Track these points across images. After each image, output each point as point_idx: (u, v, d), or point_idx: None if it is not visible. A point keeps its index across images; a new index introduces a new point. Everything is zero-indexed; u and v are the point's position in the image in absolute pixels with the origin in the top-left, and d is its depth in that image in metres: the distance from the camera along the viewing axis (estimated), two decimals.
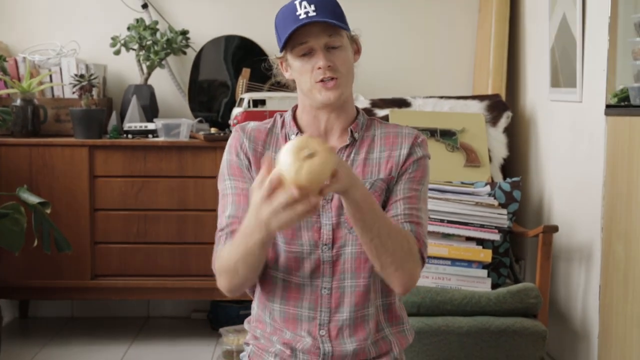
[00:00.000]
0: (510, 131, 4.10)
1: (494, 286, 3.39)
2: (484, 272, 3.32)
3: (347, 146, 1.92)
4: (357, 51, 1.94)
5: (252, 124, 1.95)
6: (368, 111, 3.90)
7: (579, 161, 3.44)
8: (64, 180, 4.01)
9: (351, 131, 1.92)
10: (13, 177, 3.99)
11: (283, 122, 1.95)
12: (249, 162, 1.89)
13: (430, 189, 3.37)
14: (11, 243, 3.52)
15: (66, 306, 4.58)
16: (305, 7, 1.79)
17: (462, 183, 3.58)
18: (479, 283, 3.31)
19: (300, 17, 1.79)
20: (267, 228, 1.58)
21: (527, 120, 4.13)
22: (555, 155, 3.76)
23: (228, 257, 1.76)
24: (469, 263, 3.33)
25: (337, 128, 1.92)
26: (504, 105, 4.11)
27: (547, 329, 3.18)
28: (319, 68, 1.82)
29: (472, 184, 3.58)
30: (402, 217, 1.84)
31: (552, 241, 3.33)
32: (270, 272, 1.88)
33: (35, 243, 3.56)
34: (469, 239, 3.36)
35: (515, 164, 4.18)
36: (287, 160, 1.53)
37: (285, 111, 1.98)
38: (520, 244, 4.05)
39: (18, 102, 4.10)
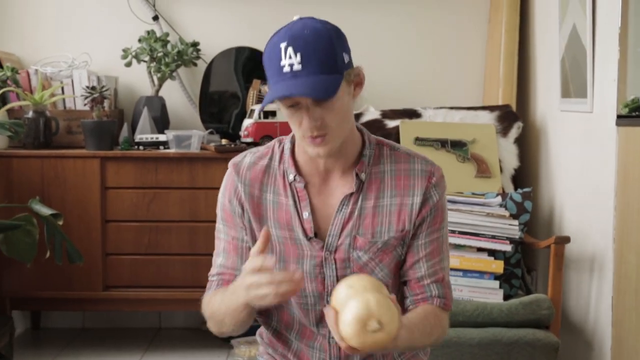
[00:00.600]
0: (521, 141, 4.09)
1: (506, 297, 3.38)
2: (496, 283, 3.31)
3: (352, 194, 1.75)
4: (358, 84, 1.72)
5: (247, 160, 1.81)
6: (378, 122, 3.90)
7: (590, 171, 3.43)
8: (76, 192, 4.03)
9: (356, 174, 1.75)
10: (25, 188, 4.01)
11: (282, 154, 1.79)
12: (243, 209, 1.79)
13: None
14: (23, 254, 3.53)
15: (78, 317, 4.59)
16: (290, 57, 1.57)
17: (473, 194, 3.58)
18: (490, 294, 3.30)
19: (284, 71, 1.59)
20: (247, 296, 1.58)
21: (537, 131, 4.12)
22: (566, 165, 3.75)
23: (217, 309, 1.74)
24: (481, 274, 3.32)
25: (338, 169, 1.76)
26: (515, 115, 4.10)
27: (559, 340, 3.17)
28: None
29: (483, 195, 3.57)
30: (427, 279, 1.76)
31: (564, 252, 3.32)
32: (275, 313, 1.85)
33: (48, 254, 3.57)
34: (480, 249, 3.36)
35: (526, 175, 4.17)
36: (351, 328, 1.46)
37: (286, 135, 1.83)
38: (532, 255, 4.03)
39: (30, 114, 4.13)
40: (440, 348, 3.09)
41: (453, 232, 3.31)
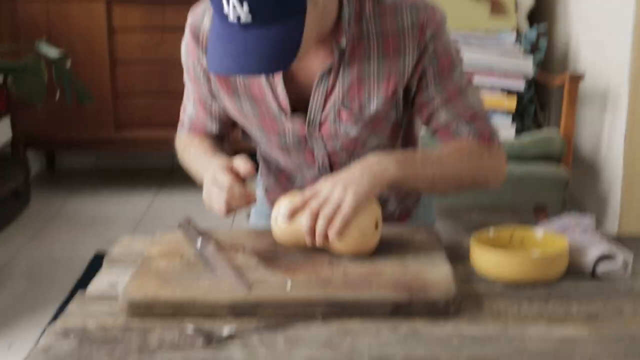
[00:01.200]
0: None
1: (518, 133, 3.37)
2: (508, 119, 3.29)
3: (330, 70, 1.48)
4: None
5: (207, 24, 1.51)
6: None
7: (608, 7, 3.34)
8: (82, 35, 3.97)
9: (336, 42, 1.46)
10: (31, 30, 3.95)
11: None
12: (209, 80, 1.58)
13: (454, 38, 3.30)
14: (33, 96, 3.53)
15: (91, 158, 4.63)
16: (234, 7, 1.28)
17: (487, 32, 3.50)
18: (502, 130, 3.29)
19: (230, 20, 1.31)
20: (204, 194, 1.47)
21: None
22: (583, 1, 3.64)
23: (187, 164, 1.66)
24: (493, 111, 3.29)
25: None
26: None
27: (570, 174, 3.18)
28: None
29: (497, 33, 3.49)
30: (454, 123, 1.52)
31: (578, 88, 3.28)
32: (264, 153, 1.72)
33: (58, 95, 3.56)
34: (493, 87, 3.32)
35: (542, 12, 4.06)
36: (360, 239, 1.37)
37: None
38: (546, 93, 4.00)
39: None
40: None
41: (465, 70, 3.26)
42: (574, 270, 1.38)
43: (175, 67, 4.00)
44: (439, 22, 1.47)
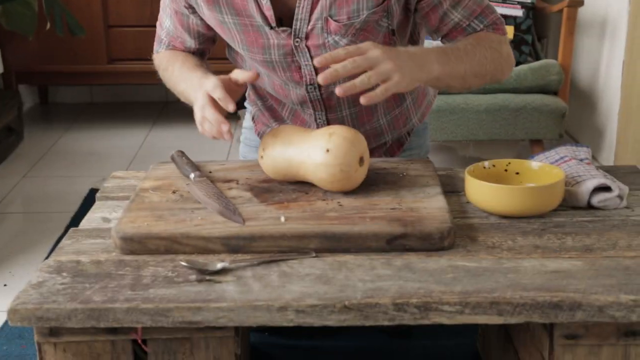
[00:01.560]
0: None
1: (515, 64, 3.33)
2: None
3: None
4: None
5: None
6: None
7: None
8: None
9: None
10: None
11: None
12: (198, 2, 1.52)
13: None
14: (23, 27, 3.46)
15: (85, 92, 4.59)
16: None
17: None
18: None
19: None
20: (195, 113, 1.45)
21: None
22: None
23: (170, 82, 1.61)
24: None
25: None
26: None
27: (567, 105, 3.16)
28: None
29: None
30: (466, 21, 1.49)
31: (577, 16, 3.23)
32: (257, 85, 1.68)
33: (48, 26, 3.50)
34: None
35: None
36: (342, 177, 1.34)
37: None
38: (544, 22, 3.94)
39: None
40: (447, 114, 3.09)
41: None
42: (570, 202, 1.37)
43: None
44: None
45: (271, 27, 1.47)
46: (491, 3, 1.53)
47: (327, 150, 1.34)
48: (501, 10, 3.24)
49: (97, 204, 1.46)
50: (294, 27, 1.47)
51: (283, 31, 1.47)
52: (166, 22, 1.63)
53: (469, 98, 3.12)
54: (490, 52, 1.48)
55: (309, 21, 1.46)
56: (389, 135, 1.71)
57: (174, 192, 1.41)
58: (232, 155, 3.69)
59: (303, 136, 1.40)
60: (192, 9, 1.55)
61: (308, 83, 1.56)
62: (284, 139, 1.41)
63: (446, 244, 1.23)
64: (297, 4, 1.45)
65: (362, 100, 1.29)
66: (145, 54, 3.96)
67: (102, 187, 1.54)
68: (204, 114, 1.40)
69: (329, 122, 1.62)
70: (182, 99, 1.57)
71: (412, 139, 1.77)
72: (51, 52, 3.99)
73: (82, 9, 3.91)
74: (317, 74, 1.50)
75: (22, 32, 3.48)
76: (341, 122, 1.62)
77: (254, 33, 1.49)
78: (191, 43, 1.63)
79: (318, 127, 1.62)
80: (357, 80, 1.29)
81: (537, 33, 3.72)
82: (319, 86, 1.55)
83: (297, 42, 1.48)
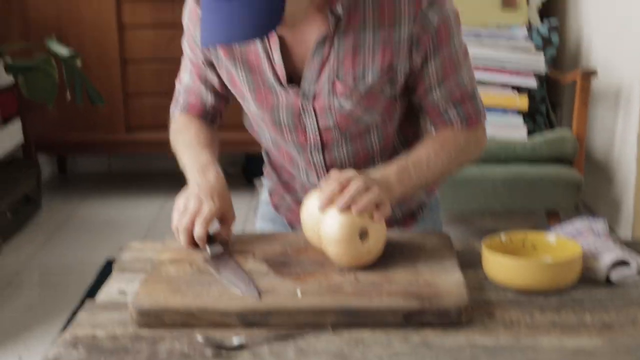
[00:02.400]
0: None
1: (530, 134, 3.35)
2: (520, 120, 3.27)
3: (325, 38, 1.46)
4: None
5: None
6: None
7: (620, 2, 3.31)
8: (93, 31, 3.97)
9: (331, 10, 1.43)
10: (41, 26, 3.95)
11: None
12: (218, 55, 1.56)
13: (465, 34, 3.28)
14: (44, 96, 3.52)
15: (103, 162, 4.64)
16: None
17: (498, 26, 3.48)
18: (514, 131, 3.26)
19: None
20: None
21: None
22: None
23: (176, 148, 1.64)
24: (505, 110, 3.27)
25: (312, 5, 1.45)
26: None
27: (582, 176, 3.16)
28: None
29: (508, 28, 3.47)
30: (442, 103, 1.53)
31: (590, 86, 3.25)
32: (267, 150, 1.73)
33: (68, 96, 3.56)
34: (504, 85, 3.30)
35: (554, 6, 4.04)
36: (339, 248, 1.35)
37: None
38: (558, 91, 3.97)
39: None
40: (462, 185, 3.09)
41: (476, 67, 3.24)
42: (588, 277, 1.36)
43: None
44: None
45: (281, 85, 1.51)
46: (477, 91, 1.59)
47: (323, 241, 1.37)
48: (515, 80, 3.27)
49: (114, 276, 1.46)
50: (302, 87, 1.51)
51: (292, 90, 1.51)
52: (185, 77, 1.67)
53: (485, 169, 3.13)
54: (455, 153, 1.55)
55: (317, 83, 1.50)
56: (397, 209, 1.71)
57: (191, 264, 1.41)
58: (248, 226, 3.70)
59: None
60: (211, 67, 1.60)
61: (312, 147, 1.58)
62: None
63: (463, 319, 1.22)
64: (306, 65, 1.49)
65: (376, 216, 1.37)
66: (163, 123, 4.03)
67: (119, 258, 1.54)
68: (193, 214, 1.44)
69: None
70: (180, 166, 1.62)
71: (424, 213, 1.77)
72: (70, 121, 4.05)
73: (101, 79, 3.98)
74: (321, 137, 1.56)
75: (42, 101, 3.54)
76: None
77: (265, 91, 1.53)
78: (207, 96, 1.66)
79: None
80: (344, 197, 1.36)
81: (551, 103, 3.75)
82: (323, 150, 1.59)
83: (304, 102, 1.52)
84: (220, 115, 1.71)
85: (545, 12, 3.93)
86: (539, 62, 3.31)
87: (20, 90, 3.62)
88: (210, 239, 1.48)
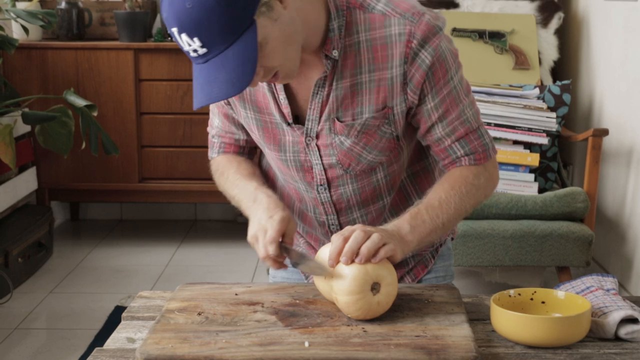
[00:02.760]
0: (561, 33, 3.98)
1: (541, 191, 3.35)
2: (531, 176, 3.28)
3: (325, 80, 1.51)
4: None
5: None
6: None
7: (632, 63, 3.34)
8: (110, 84, 4.02)
9: (326, 55, 1.49)
10: (59, 80, 4.01)
11: None
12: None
13: (477, 92, 3.32)
14: (60, 146, 3.57)
15: (115, 209, 4.66)
16: (189, 44, 1.33)
17: (511, 86, 3.51)
18: (525, 187, 3.27)
19: (191, 55, 1.37)
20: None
21: (579, 21, 4.01)
22: (608, 57, 3.65)
23: (224, 188, 1.71)
24: (516, 167, 3.29)
25: (308, 51, 1.51)
26: (556, 5, 3.98)
27: (593, 233, 3.16)
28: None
29: (521, 87, 3.50)
30: (446, 140, 1.56)
31: (602, 145, 3.27)
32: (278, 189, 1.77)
33: (83, 146, 3.60)
34: (516, 142, 3.31)
35: (566, 67, 4.08)
36: (351, 299, 1.36)
37: None
38: (569, 149, 3.98)
39: (63, 4, 4.10)
40: (473, 239, 3.09)
41: (489, 124, 3.27)
42: (597, 333, 1.36)
43: (199, 119, 4.06)
44: (429, 29, 1.47)
45: (288, 124, 1.57)
46: (483, 127, 1.59)
47: (334, 293, 1.39)
48: (527, 138, 3.29)
49: (122, 323, 1.47)
50: (305, 126, 1.57)
51: (298, 129, 1.57)
52: (215, 121, 1.74)
53: (495, 224, 3.13)
54: (466, 189, 1.56)
55: (319, 122, 1.56)
56: (410, 258, 1.71)
57: (199, 313, 1.42)
58: (258, 277, 3.69)
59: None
60: (229, 104, 1.66)
61: (319, 184, 1.62)
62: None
63: None
64: (309, 106, 1.55)
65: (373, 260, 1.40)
66: (175, 173, 4.09)
67: (128, 306, 1.55)
68: (263, 241, 1.50)
69: (341, 226, 1.67)
70: (233, 203, 1.68)
71: (437, 261, 1.77)
72: (84, 170, 4.09)
73: (117, 129, 4.03)
74: (326, 174, 1.61)
75: (58, 151, 3.58)
76: (354, 223, 1.65)
77: (272, 130, 1.60)
78: (239, 135, 1.72)
79: (332, 233, 1.65)
80: (348, 248, 1.40)
81: (562, 160, 3.76)
82: (329, 187, 1.63)
83: (308, 140, 1.57)
84: (256, 148, 1.77)
85: (557, 72, 3.96)
86: (550, 120, 3.33)
87: (36, 139, 3.67)
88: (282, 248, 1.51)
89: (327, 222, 1.68)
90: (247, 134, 1.72)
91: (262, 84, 1.56)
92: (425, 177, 1.69)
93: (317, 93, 1.53)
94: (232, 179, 1.68)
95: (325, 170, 1.61)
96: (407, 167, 1.67)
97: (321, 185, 1.63)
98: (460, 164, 1.59)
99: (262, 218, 1.52)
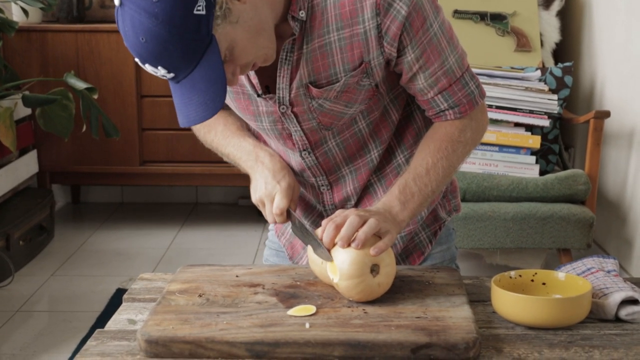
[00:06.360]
0: (563, 14, 3.97)
1: (542, 173, 3.35)
2: (532, 159, 3.28)
3: (294, 39, 1.46)
4: None
5: None
6: None
7: (634, 45, 3.33)
8: (110, 67, 4.01)
9: (292, 17, 1.44)
10: (60, 63, 4.00)
11: None
12: None
13: (479, 74, 3.30)
14: (60, 128, 3.56)
15: (116, 192, 4.66)
16: (155, 72, 1.32)
17: (512, 68, 3.50)
18: (526, 169, 3.27)
19: (162, 78, 1.35)
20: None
21: (581, 3, 3.99)
22: (610, 39, 3.63)
23: (211, 144, 1.70)
24: (517, 149, 3.28)
25: (276, 25, 1.46)
26: None
27: (594, 215, 3.16)
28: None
29: (522, 69, 3.49)
30: (429, 92, 1.51)
31: (603, 127, 3.26)
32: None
33: (84, 129, 3.60)
34: (517, 124, 3.31)
35: (568, 49, 4.06)
36: (351, 283, 1.36)
37: None
38: (571, 131, 3.98)
39: None
40: (474, 222, 3.09)
41: (490, 106, 3.26)
42: (597, 314, 1.36)
43: None
44: None
45: (258, 95, 1.53)
46: (468, 72, 1.54)
47: (334, 277, 1.38)
48: (528, 120, 3.28)
49: (123, 305, 1.47)
50: (277, 95, 1.52)
51: (270, 98, 1.53)
52: None
53: (496, 206, 3.13)
54: (453, 147, 1.53)
55: (290, 90, 1.51)
56: (400, 241, 1.70)
57: (200, 295, 1.42)
58: (259, 259, 3.70)
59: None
60: None
61: (301, 149, 1.59)
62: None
63: (471, 354, 1.22)
64: (277, 74, 1.50)
65: (372, 251, 1.38)
66: (176, 156, 4.08)
67: (129, 288, 1.55)
68: (271, 209, 1.53)
69: (331, 185, 1.64)
70: (226, 160, 1.68)
71: (434, 247, 1.74)
72: (85, 153, 4.08)
73: (117, 112, 4.02)
74: (307, 138, 1.56)
75: (58, 134, 3.57)
76: (343, 180, 1.64)
77: (244, 100, 1.56)
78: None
79: (323, 195, 1.66)
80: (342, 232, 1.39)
81: (564, 143, 3.76)
82: (313, 150, 1.59)
83: (282, 109, 1.53)
84: None
85: (559, 54, 3.95)
86: (552, 103, 3.32)
87: (36, 122, 3.66)
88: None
89: (317, 183, 1.65)
90: None
91: None
92: (407, 128, 1.65)
93: (285, 59, 1.48)
94: (223, 135, 1.66)
95: (305, 134, 1.56)
96: (388, 117, 1.61)
97: (304, 150, 1.59)
98: (445, 118, 1.55)
99: (269, 183, 1.53)
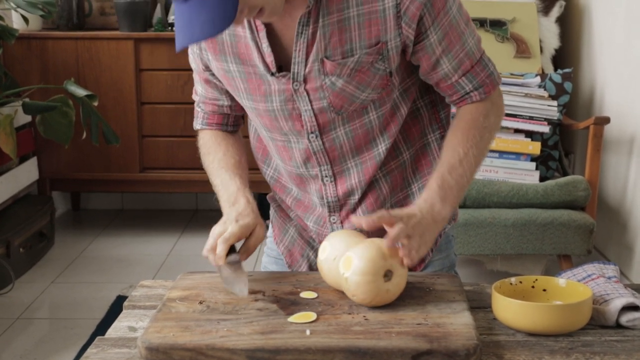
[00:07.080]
0: (562, 21, 3.97)
1: (542, 179, 3.35)
2: (532, 165, 3.28)
3: (310, 11, 1.45)
4: None
5: None
6: None
7: (634, 50, 3.33)
8: (110, 74, 4.02)
9: None
10: (60, 70, 4.01)
11: None
12: (200, 48, 1.60)
13: None
14: (60, 135, 3.56)
15: (116, 199, 4.66)
16: None
17: (512, 74, 3.51)
18: (526, 176, 3.27)
19: None
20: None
21: (581, 9, 3.99)
22: (609, 45, 3.64)
23: (206, 168, 1.71)
24: (517, 155, 3.28)
25: None
26: None
27: (594, 221, 3.15)
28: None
29: (522, 75, 3.50)
30: (453, 75, 1.53)
31: (603, 133, 3.26)
32: (271, 157, 1.74)
33: (84, 136, 3.60)
34: (517, 131, 3.31)
35: (567, 55, 4.07)
36: (362, 280, 1.36)
37: None
38: (570, 137, 3.98)
39: None
40: (474, 228, 3.09)
41: None
42: (598, 320, 1.36)
43: None
44: None
45: (272, 74, 1.52)
46: (485, 54, 1.56)
47: (346, 271, 1.38)
48: (528, 126, 3.29)
49: (124, 312, 1.47)
50: (292, 70, 1.51)
51: (283, 76, 1.52)
52: (199, 89, 1.72)
53: (496, 212, 3.13)
54: (480, 134, 1.55)
55: (306, 64, 1.50)
56: None
57: (200, 302, 1.42)
58: (258, 266, 3.70)
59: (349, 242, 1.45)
60: (209, 69, 1.63)
61: (309, 131, 1.57)
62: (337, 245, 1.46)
63: None
64: (294, 48, 1.49)
65: (406, 261, 1.41)
66: (176, 163, 4.08)
67: (129, 295, 1.55)
68: (218, 238, 1.51)
69: (335, 177, 1.63)
70: (213, 188, 1.67)
71: (434, 255, 1.74)
72: (85, 160, 4.09)
73: (117, 119, 4.02)
74: (317, 120, 1.55)
75: (59, 141, 3.58)
76: (348, 173, 1.63)
77: (256, 80, 1.55)
78: (223, 100, 1.69)
79: (325, 187, 1.64)
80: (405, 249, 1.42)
81: (564, 149, 3.76)
82: (320, 134, 1.58)
83: (296, 85, 1.52)
84: (242, 118, 1.75)
85: (558, 60, 3.95)
86: (551, 109, 3.32)
87: (37, 130, 3.66)
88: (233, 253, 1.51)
89: (321, 174, 1.63)
90: (231, 99, 1.67)
91: (244, 34, 1.52)
92: (414, 125, 1.65)
93: (302, 32, 1.47)
94: (218, 165, 1.67)
95: (315, 115, 1.55)
96: (397, 110, 1.61)
97: (312, 132, 1.57)
98: (470, 100, 1.56)
99: (230, 219, 1.52)
